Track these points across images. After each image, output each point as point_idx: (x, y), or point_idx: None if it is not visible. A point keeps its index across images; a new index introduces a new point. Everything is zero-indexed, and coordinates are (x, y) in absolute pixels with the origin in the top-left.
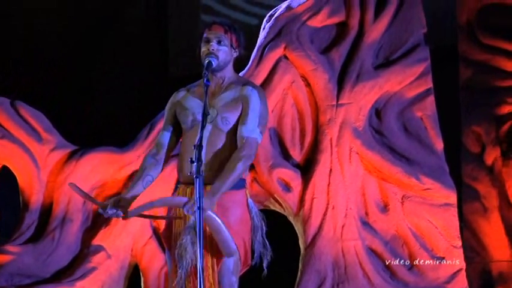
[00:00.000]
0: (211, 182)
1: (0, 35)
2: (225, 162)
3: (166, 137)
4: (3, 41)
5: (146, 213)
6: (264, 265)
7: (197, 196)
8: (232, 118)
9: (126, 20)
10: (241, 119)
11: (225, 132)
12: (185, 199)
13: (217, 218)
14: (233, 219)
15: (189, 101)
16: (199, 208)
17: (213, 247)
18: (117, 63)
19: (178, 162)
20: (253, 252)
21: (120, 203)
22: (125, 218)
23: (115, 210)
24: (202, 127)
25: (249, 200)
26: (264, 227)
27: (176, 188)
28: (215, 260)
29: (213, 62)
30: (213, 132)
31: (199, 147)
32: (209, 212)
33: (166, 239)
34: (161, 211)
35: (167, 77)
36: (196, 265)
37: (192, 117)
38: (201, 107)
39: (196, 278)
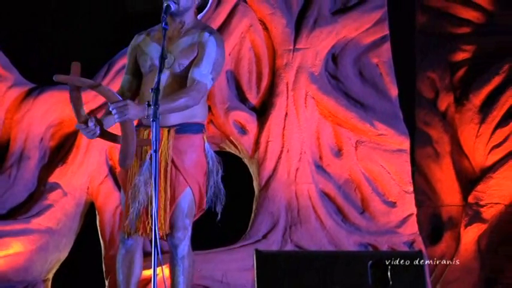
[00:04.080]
0: (167, 125)
1: None
2: None
3: (129, 81)
4: None
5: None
6: (217, 210)
7: (153, 139)
8: (189, 64)
9: None
10: (195, 62)
11: (181, 77)
12: (119, 98)
13: (134, 129)
14: (188, 162)
15: (148, 46)
16: (155, 151)
17: (167, 188)
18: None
19: None
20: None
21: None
22: (95, 136)
23: (93, 126)
24: (160, 71)
25: (206, 144)
26: (220, 171)
27: (136, 130)
28: (168, 202)
29: (171, 6)
30: (170, 78)
31: (156, 90)
32: (132, 121)
33: (122, 179)
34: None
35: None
36: (148, 206)
37: (150, 62)
38: (158, 51)
39: (148, 219)
